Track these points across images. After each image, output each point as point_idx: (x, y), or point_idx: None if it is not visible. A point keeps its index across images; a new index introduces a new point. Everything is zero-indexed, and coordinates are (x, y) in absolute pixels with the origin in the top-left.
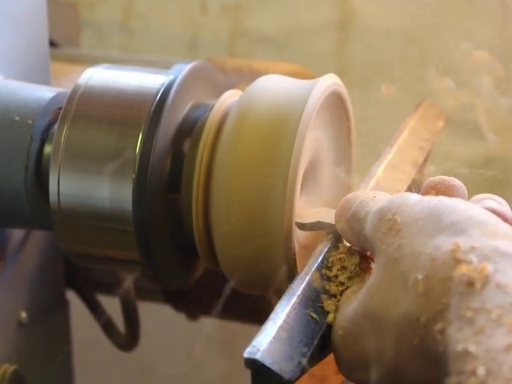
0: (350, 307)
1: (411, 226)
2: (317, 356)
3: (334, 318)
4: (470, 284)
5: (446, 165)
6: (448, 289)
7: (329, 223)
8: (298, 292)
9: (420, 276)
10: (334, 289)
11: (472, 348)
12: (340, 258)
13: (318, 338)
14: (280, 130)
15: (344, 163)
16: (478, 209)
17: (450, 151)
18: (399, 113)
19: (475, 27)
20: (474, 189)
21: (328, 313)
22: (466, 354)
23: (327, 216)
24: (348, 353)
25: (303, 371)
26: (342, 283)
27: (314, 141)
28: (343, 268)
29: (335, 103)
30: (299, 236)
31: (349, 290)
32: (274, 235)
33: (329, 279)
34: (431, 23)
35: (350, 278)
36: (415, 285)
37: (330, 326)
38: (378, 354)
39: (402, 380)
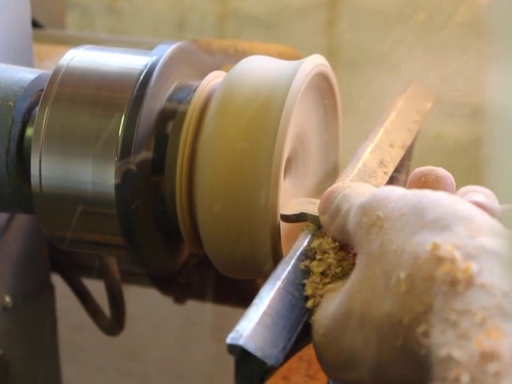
0: (331, 305)
1: (394, 221)
2: (302, 341)
3: (314, 304)
4: (454, 284)
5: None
6: (431, 289)
7: (313, 215)
8: (283, 276)
9: (403, 275)
10: (316, 276)
11: (455, 353)
12: (322, 247)
13: (303, 323)
14: (265, 111)
15: (331, 144)
16: (463, 203)
17: (440, 132)
18: (388, 94)
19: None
20: (465, 171)
21: (308, 298)
22: (450, 359)
23: (311, 207)
24: (329, 352)
25: (287, 357)
26: (325, 273)
27: (299, 122)
28: (326, 259)
29: (321, 84)
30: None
31: (330, 286)
32: (258, 218)
33: (310, 268)
34: (421, 3)
35: (333, 272)
36: (398, 284)
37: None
38: (361, 354)
39: (386, 382)
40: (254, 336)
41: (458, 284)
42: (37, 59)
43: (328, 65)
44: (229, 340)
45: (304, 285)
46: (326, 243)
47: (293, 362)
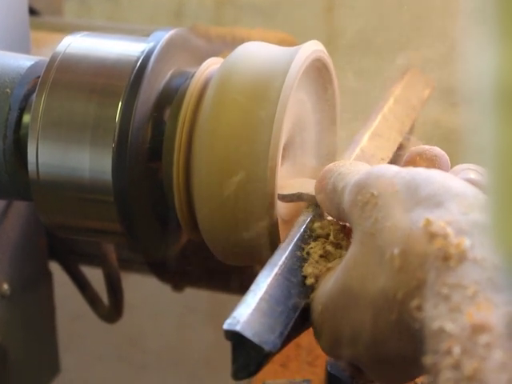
0: (328, 283)
1: (388, 199)
2: (299, 327)
3: (312, 283)
4: (446, 259)
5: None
6: (424, 264)
7: (309, 194)
8: (280, 262)
9: (396, 251)
10: (315, 256)
11: (447, 326)
12: (322, 229)
13: (301, 309)
14: (261, 97)
15: (328, 131)
16: (456, 180)
17: (438, 119)
18: (386, 81)
19: None
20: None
21: (306, 277)
22: (442, 332)
23: (308, 187)
24: (327, 329)
25: (285, 343)
26: (323, 254)
27: (296, 108)
28: (325, 239)
29: (318, 70)
30: (281, 208)
31: (329, 265)
32: (255, 204)
33: (309, 248)
34: None
35: (331, 252)
36: (392, 260)
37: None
38: (357, 330)
39: (382, 356)
40: (251, 322)
41: (450, 259)
42: (34, 46)
43: (325, 51)
44: (226, 326)
45: (302, 267)
46: (326, 226)
47: (291, 349)
